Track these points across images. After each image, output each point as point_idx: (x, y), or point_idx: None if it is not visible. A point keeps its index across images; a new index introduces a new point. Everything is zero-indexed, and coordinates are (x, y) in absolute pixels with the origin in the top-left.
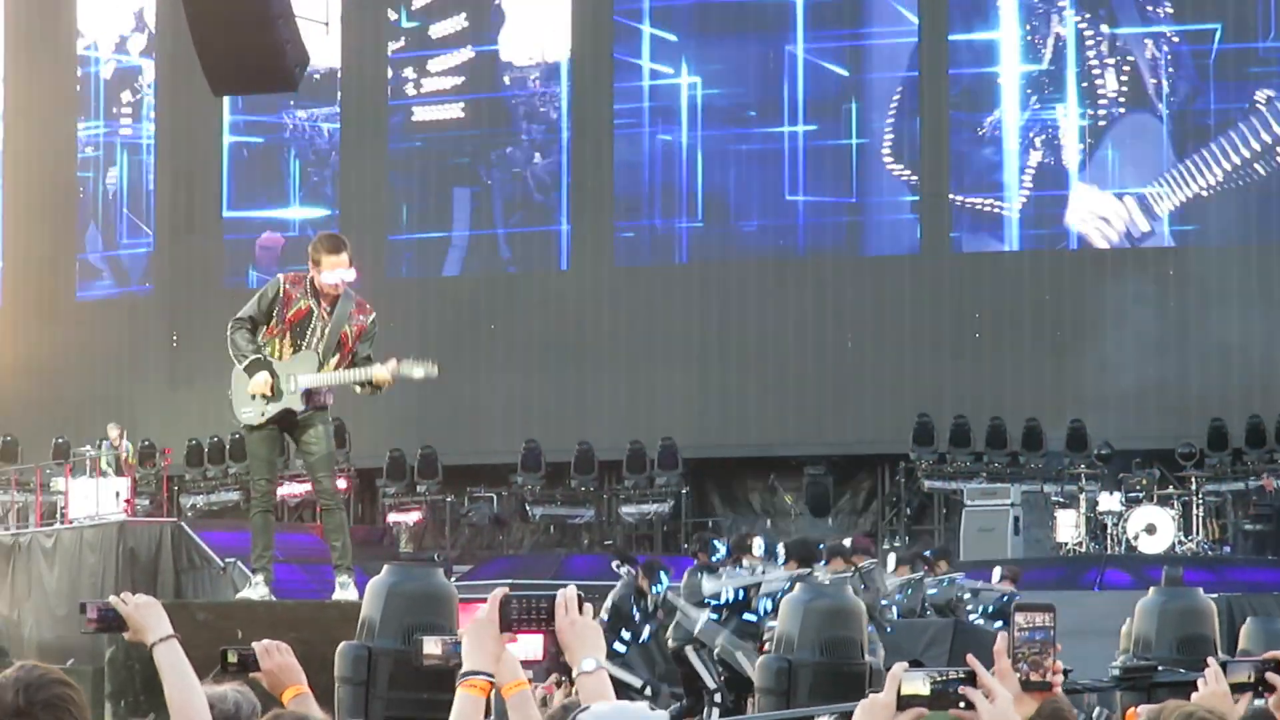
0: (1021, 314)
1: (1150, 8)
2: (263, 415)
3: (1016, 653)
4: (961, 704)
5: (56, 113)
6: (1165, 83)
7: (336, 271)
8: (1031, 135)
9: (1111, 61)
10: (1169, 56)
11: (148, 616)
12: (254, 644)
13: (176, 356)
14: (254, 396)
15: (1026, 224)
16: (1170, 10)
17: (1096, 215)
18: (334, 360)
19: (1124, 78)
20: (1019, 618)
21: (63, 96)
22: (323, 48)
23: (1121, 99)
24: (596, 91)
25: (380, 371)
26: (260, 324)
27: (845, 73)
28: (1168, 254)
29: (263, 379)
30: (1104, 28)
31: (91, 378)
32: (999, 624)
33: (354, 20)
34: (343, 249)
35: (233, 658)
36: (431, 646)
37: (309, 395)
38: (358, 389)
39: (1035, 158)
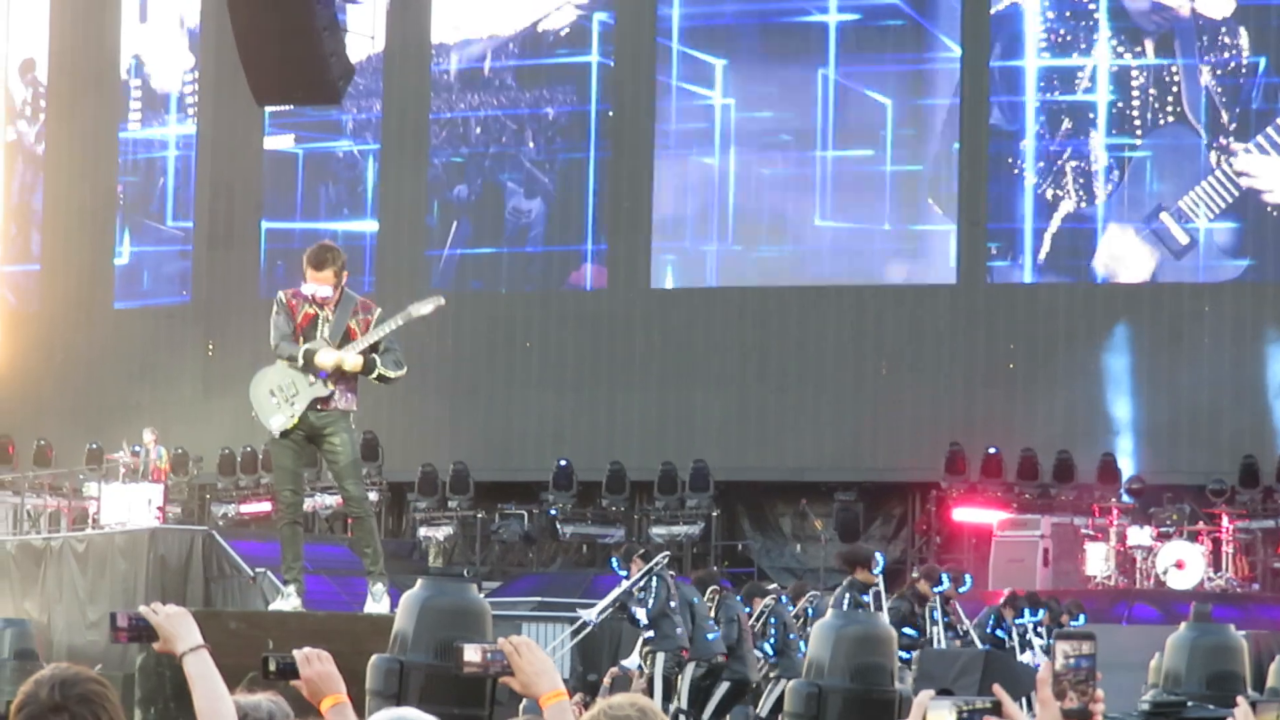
0: (1055, 345)
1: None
2: (293, 417)
3: (1058, 679)
4: None
5: (98, 120)
6: (1202, 107)
7: (312, 285)
8: (1063, 164)
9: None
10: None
11: (178, 626)
12: (294, 651)
13: (211, 365)
14: (277, 402)
15: (1060, 256)
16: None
17: (1127, 249)
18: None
19: (1162, 105)
20: (1061, 646)
21: (104, 104)
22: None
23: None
24: (636, 111)
25: (393, 321)
26: (294, 335)
27: (884, 99)
28: (1202, 289)
29: (331, 355)
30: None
31: (126, 385)
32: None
33: (398, 33)
34: (325, 264)
35: (273, 665)
36: (472, 654)
37: (330, 377)
38: (383, 372)
39: (1069, 187)
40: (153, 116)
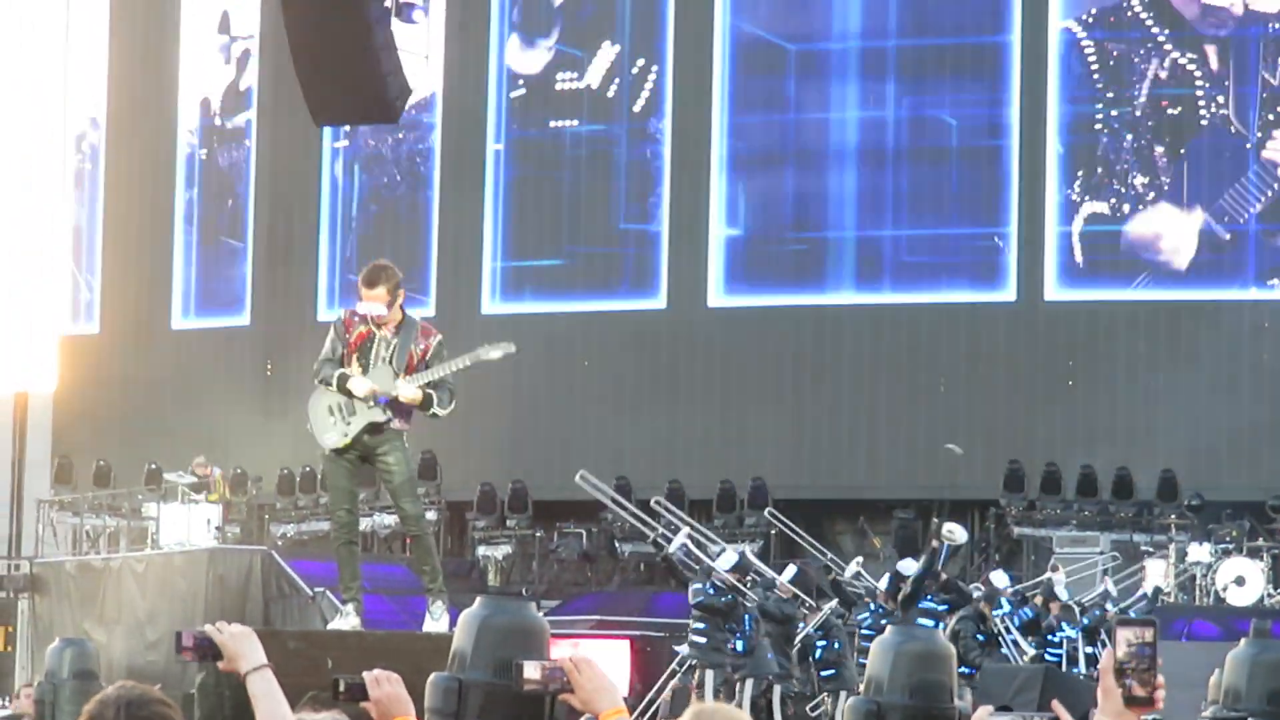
0: (1115, 362)
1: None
2: (346, 436)
3: (1121, 668)
4: None
5: (156, 139)
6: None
7: (365, 304)
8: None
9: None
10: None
11: (243, 645)
12: (364, 673)
13: (270, 386)
14: (335, 420)
15: (1122, 269)
16: None
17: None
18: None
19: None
20: (1123, 634)
21: (163, 122)
22: (424, 74)
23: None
24: (698, 127)
25: (459, 361)
26: (339, 360)
27: (947, 117)
28: (1262, 306)
29: (365, 384)
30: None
31: (185, 405)
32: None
33: (455, 49)
34: (377, 283)
35: (342, 687)
36: (531, 671)
37: (390, 405)
38: (437, 411)
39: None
40: (211, 137)
